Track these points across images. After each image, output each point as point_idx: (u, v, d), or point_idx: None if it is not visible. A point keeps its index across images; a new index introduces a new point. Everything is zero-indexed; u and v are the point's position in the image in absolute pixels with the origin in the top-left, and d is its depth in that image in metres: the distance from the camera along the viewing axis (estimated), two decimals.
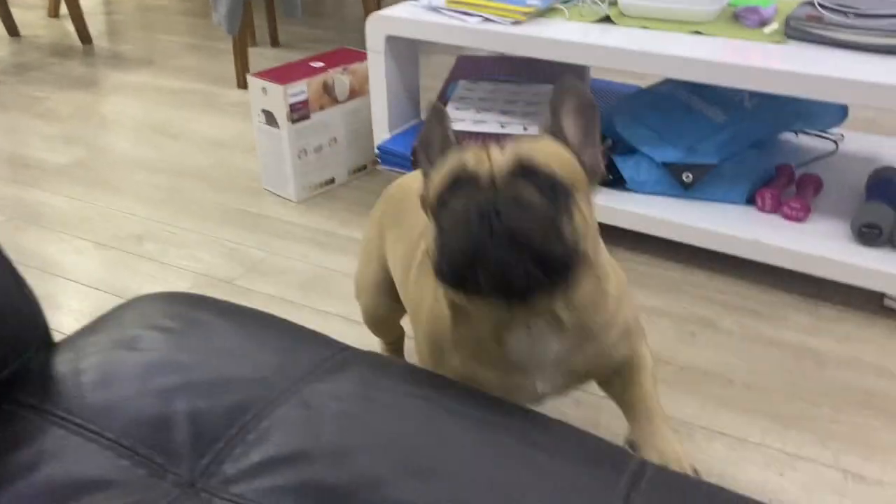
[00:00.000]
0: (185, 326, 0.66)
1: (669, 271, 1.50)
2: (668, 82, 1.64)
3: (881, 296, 1.37)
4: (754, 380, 1.23)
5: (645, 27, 1.44)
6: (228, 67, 2.64)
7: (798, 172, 1.57)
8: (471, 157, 0.71)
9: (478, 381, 0.80)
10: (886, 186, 1.46)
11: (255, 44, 2.85)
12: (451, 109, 1.71)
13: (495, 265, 0.66)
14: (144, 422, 0.56)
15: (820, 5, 1.35)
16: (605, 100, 1.88)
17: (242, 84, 2.39)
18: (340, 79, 1.77)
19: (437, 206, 0.72)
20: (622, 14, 1.48)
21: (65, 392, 0.59)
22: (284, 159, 1.75)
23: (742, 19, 1.43)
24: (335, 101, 1.78)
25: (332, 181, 1.85)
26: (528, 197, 0.67)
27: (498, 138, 1.58)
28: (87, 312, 1.40)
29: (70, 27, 2.94)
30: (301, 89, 1.70)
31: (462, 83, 1.83)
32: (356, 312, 1.27)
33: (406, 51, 1.69)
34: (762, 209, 1.48)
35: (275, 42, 2.87)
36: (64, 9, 3.03)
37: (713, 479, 1.04)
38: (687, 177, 1.51)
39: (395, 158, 1.70)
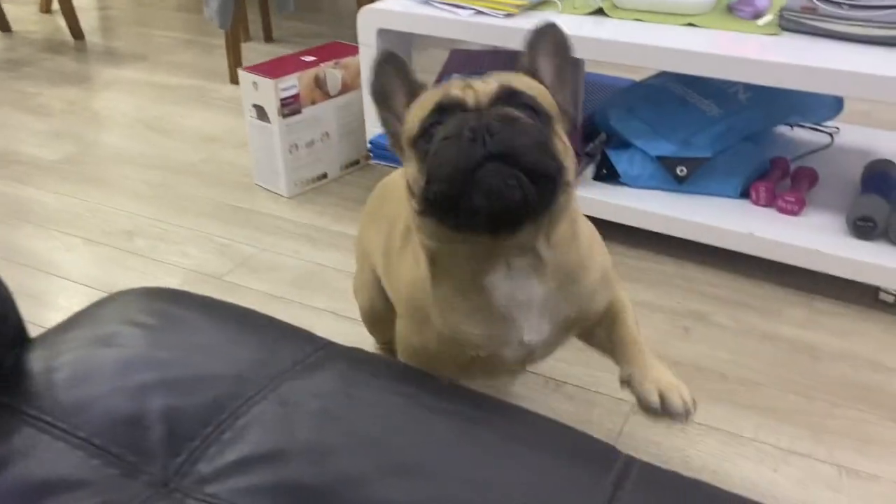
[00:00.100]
0: (162, 323, 0.65)
1: (663, 265, 1.49)
2: (662, 75, 1.63)
3: (876, 289, 1.36)
4: (748, 374, 1.22)
5: (638, 19, 1.43)
6: (221, 63, 2.62)
7: (793, 165, 1.56)
8: (454, 87, 0.71)
9: (463, 340, 0.79)
10: (881, 179, 1.45)
11: (248, 39, 2.83)
12: None
13: (492, 180, 0.66)
14: (118, 420, 0.55)
15: None
16: (598, 93, 1.87)
17: (235, 79, 2.38)
18: (332, 73, 1.76)
19: (421, 137, 0.71)
20: (615, 6, 1.47)
21: (37, 390, 0.57)
22: (276, 154, 1.73)
23: (736, 11, 1.42)
24: (327, 95, 1.76)
25: (324, 176, 1.83)
26: (515, 115, 0.68)
27: None
28: (76, 309, 1.39)
29: (62, 23, 2.92)
30: (292, 84, 1.68)
31: (455, 77, 1.81)
32: (347, 308, 1.26)
33: (398, 44, 1.67)
34: (756, 203, 1.47)
35: (268, 37, 2.85)
36: (56, 4, 3.01)
37: (707, 475, 1.04)
38: (681, 170, 1.49)
39: (388, 153, 1.68)
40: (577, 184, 0.81)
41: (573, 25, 1.41)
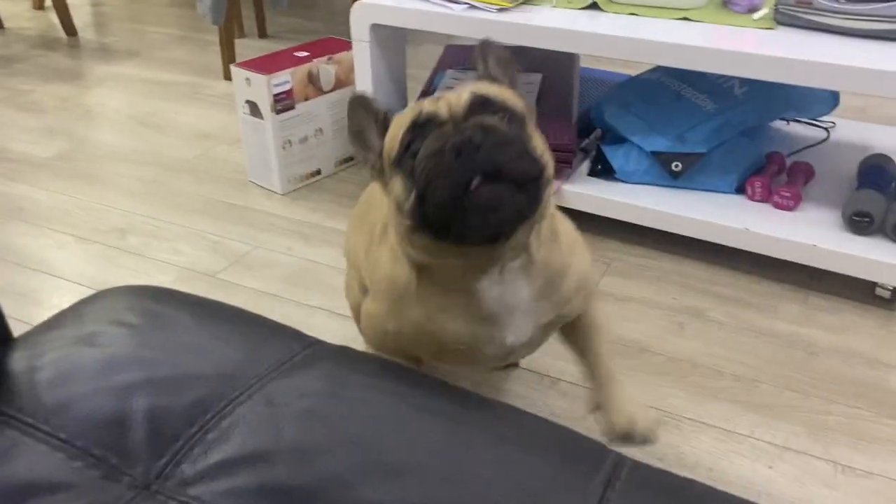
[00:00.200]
0: (148, 321, 0.64)
1: (658, 261, 1.48)
2: (657, 70, 1.62)
3: (873, 285, 1.35)
4: (744, 371, 1.21)
5: (633, 14, 1.42)
6: (215, 59, 2.61)
7: (789, 161, 1.55)
8: (426, 103, 0.72)
9: (444, 336, 0.80)
10: (878, 174, 1.44)
11: (242, 35, 2.82)
12: None
13: (485, 197, 0.67)
14: (100, 421, 0.54)
15: None
16: (593, 89, 1.86)
17: (229, 75, 2.36)
18: (325, 68, 1.74)
19: (403, 155, 0.71)
20: (610, 0, 1.46)
21: (18, 390, 0.56)
22: (269, 151, 1.72)
23: (731, 5, 1.41)
24: (320, 91, 1.75)
25: (318, 173, 1.82)
26: (496, 127, 0.68)
27: None
28: None
29: (55, 19, 2.90)
30: (285, 79, 1.67)
31: (450, 73, 1.80)
32: (341, 306, 1.25)
33: (392, 39, 1.67)
34: (752, 198, 1.46)
35: (262, 33, 2.84)
36: (49, 1, 2.99)
37: (702, 472, 1.03)
38: (676, 166, 1.48)
39: None
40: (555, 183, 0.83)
41: (567, 20, 1.40)
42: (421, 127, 0.70)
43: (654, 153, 1.49)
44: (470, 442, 0.55)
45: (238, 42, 2.69)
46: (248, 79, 1.67)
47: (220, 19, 2.34)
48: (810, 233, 1.35)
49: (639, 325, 1.31)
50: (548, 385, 1.19)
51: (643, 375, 1.20)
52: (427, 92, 1.72)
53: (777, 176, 1.51)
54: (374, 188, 1.09)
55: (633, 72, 1.73)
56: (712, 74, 1.52)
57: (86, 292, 1.44)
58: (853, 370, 1.20)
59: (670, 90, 1.54)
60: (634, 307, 1.36)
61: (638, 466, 0.56)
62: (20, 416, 0.54)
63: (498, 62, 0.80)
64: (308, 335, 0.68)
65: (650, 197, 1.48)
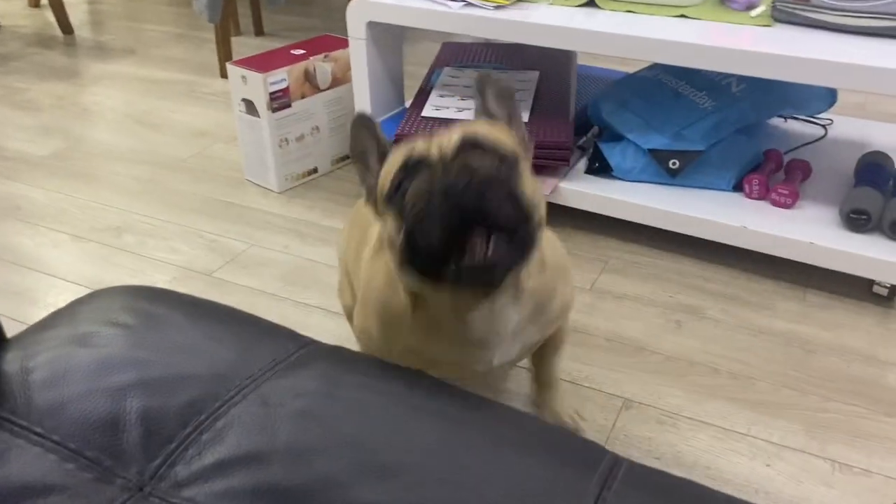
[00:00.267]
0: (142, 322, 0.64)
1: (655, 259, 1.48)
2: (655, 67, 1.61)
3: (870, 282, 1.35)
4: (741, 369, 1.21)
5: (630, 11, 1.42)
6: (212, 57, 2.60)
7: (786, 158, 1.55)
8: (418, 143, 0.73)
9: (434, 356, 0.83)
10: (875, 172, 1.44)
11: (238, 33, 2.81)
12: (434, 97, 1.68)
13: (472, 246, 0.67)
14: (93, 422, 0.54)
15: None
16: (590, 86, 1.86)
17: (225, 73, 2.36)
18: (322, 66, 1.74)
19: (393, 194, 0.72)
20: None
21: (10, 392, 0.56)
22: (265, 149, 1.72)
23: (728, 2, 1.40)
24: (317, 89, 1.75)
25: (314, 171, 1.82)
26: (484, 169, 0.68)
27: None
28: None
29: (51, 17, 2.89)
30: (281, 77, 1.66)
31: (446, 70, 1.80)
32: (338, 304, 1.24)
33: (389, 37, 1.66)
34: (750, 195, 1.46)
35: (259, 31, 2.83)
36: None
37: (699, 471, 1.03)
38: (674, 163, 1.48)
39: None
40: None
41: (564, 17, 1.40)
42: (412, 167, 0.71)
43: (651, 151, 1.49)
44: (466, 442, 0.55)
45: (234, 40, 2.69)
46: (244, 77, 1.67)
47: (217, 17, 2.33)
48: (808, 230, 1.35)
49: (636, 324, 1.31)
50: None
51: (641, 374, 1.20)
52: (424, 90, 1.72)
53: (774, 173, 1.51)
54: None
55: (631, 69, 1.72)
56: (710, 72, 1.52)
57: (82, 291, 1.44)
58: (850, 368, 1.20)
59: (668, 88, 1.54)
60: (631, 305, 1.36)
61: (634, 467, 0.56)
62: (13, 419, 0.54)
63: (497, 96, 0.80)
64: (303, 335, 0.68)
65: (647, 194, 1.47)
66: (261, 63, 1.68)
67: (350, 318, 1.17)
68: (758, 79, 1.28)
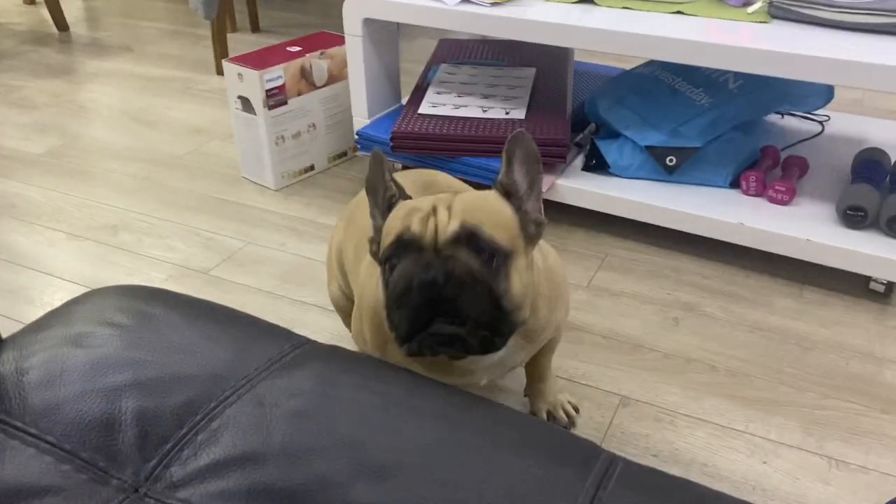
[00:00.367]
0: (137, 321, 0.63)
1: (652, 256, 1.48)
2: (651, 64, 1.61)
3: (867, 279, 1.35)
4: (738, 366, 1.21)
5: (626, 7, 1.41)
6: (208, 54, 2.59)
7: (783, 154, 1.55)
8: (416, 222, 0.74)
9: (426, 371, 0.84)
10: (872, 168, 1.44)
11: (235, 29, 2.80)
12: (431, 94, 1.68)
13: (436, 339, 0.73)
14: (89, 423, 0.53)
15: None
16: (587, 83, 1.85)
17: (222, 70, 2.35)
18: (318, 63, 1.73)
19: (386, 265, 0.76)
20: None
21: (5, 393, 0.56)
22: (262, 146, 1.71)
23: None
24: (313, 86, 1.74)
25: (311, 168, 1.81)
26: (468, 268, 0.71)
27: (479, 123, 1.55)
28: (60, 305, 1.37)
29: (46, 14, 2.88)
30: (277, 74, 1.66)
31: (443, 67, 1.79)
32: None
33: (385, 34, 1.66)
34: (747, 192, 1.46)
35: (255, 27, 2.82)
36: None
37: (696, 468, 1.03)
38: (670, 160, 1.48)
39: (376, 144, 1.66)
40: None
41: (561, 14, 1.40)
42: (404, 246, 0.73)
43: (648, 147, 1.49)
44: (461, 442, 0.55)
45: (230, 37, 2.68)
46: (240, 74, 1.66)
47: (212, 14, 2.32)
48: (804, 227, 1.35)
49: (633, 321, 1.31)
50: None
51: (638, 371, 1.20)
52: (421, 87, 1.72)
53: (771, 170, 1.51)
54: (359, 197, 1.11)
55: (627, 66, 1.72)
56: (707, 68, 1.52)
57: (78, 290, 1.44)
58: (847, 364, 1.20)
59: (664, 84, 1.54)
60: (628, 302, 1.36)
61: (629, 466, 0.56)
62: (8, 420, 0.54)
63: (525, 159, 0.79)
64: (298, 334, 0.68)
65: (644, 191, 1.47)
66: (257, 60, 1.67)
67: (338, 307, 1.18)
68: (755, 75, 1.28)
